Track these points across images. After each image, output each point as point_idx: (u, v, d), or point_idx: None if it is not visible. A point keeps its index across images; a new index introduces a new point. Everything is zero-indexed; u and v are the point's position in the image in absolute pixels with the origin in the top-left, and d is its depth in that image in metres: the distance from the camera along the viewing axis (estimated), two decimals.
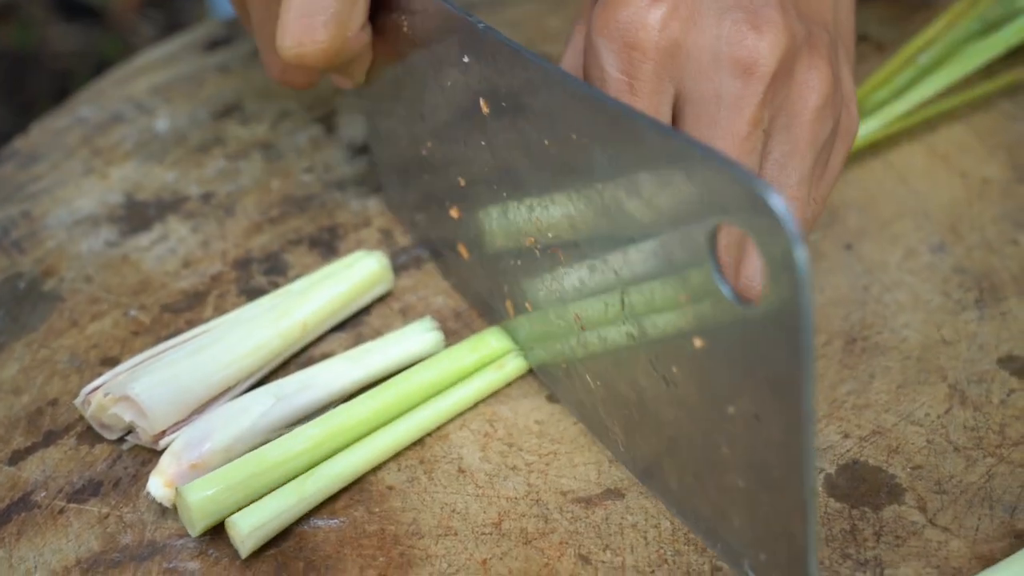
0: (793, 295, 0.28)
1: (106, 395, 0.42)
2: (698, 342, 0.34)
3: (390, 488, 0.43)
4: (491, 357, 0.46)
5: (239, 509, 0.40)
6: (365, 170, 0.59)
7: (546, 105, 0.37)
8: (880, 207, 0.55)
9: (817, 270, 0.51)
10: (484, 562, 0.40)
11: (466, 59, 0.41)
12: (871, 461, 0.42)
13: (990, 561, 0.39)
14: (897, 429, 0.44)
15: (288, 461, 0.41)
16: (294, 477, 0.41)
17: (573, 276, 0.40)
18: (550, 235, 0.40)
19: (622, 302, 0.37)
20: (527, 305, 0.44)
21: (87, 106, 0.65)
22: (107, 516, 0.42)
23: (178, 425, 0.43)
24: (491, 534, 0.41)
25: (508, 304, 0.45)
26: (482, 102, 0.41)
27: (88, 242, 0.55)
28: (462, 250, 0.48)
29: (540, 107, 0.37)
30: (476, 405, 0.46)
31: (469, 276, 0.48)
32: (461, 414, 0.45)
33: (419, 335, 0.47)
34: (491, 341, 0.46)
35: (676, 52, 0.39)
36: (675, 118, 0.40)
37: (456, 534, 0.41)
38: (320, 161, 0.60)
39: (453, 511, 0.42)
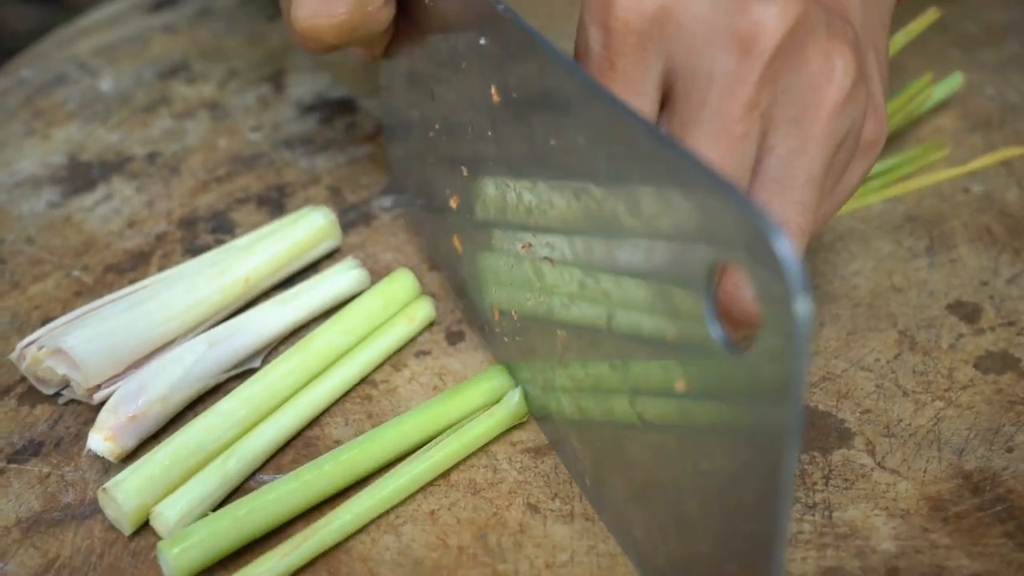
0: (788, 350, 0.25)
1: (40, 348, 0.42)
2: (680, 385, 0.31)
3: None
4: (401, 303, 0.46)
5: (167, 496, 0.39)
6: (314, 129, 0.58)
7: (556, 100, 0.33)
8: None
9: None
10: (432, 513, 0.39)
11: (482, 41, 0.37)
12: (821, 406, 0.42)
13: (938, 502, 0.39)
14: (847, 375, 0.43)
15: (209, 441, 0.40)
16: (220, 453, 0.40)
17: (562, 290, 0.37)
18: (545, 242, 0.37)
19: (608, 327, 0.34)
20: (513, 313, 0.42)
21: (29, 68, 0.64)
22: (48, 475, 0.41)
23: (114, 379, 0.42)
24: (440, 485, 0.40)
25: (495, 310, 0.43)
26: (493, 89, 0.37)
27: (29, 203, 0.54)
28: (456, 243, 0.45)
29: (550, 101, 0.33)
30: (425, 359, 0.45)
31: (460, 272, 0.46)
32: (411, 370, 0.45)
33: (344, 274, 0.47)
34: (399, 286, 0.46)
35: (666, 21, 0.34)
36: (666, 99, 0.35)
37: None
38: (268, 120, 0.59)
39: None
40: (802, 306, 0.24)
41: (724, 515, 0.30)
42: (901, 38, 0.52)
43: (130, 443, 0.41)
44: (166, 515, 0.38)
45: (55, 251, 0.51)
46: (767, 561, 0.28)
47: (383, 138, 0.54)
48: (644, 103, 0.34)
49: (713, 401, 0.29)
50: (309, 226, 0.48)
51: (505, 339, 0.43)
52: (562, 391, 0.39)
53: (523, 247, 0.39)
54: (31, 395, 0.44)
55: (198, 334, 0.44)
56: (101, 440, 0.40)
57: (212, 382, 0.43)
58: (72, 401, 0.44)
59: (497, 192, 0.40)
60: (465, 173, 0.42)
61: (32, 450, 0.42)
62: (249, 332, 0.44)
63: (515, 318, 0.41)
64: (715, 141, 0.33)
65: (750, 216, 0.25)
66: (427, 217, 0.48)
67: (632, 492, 0.36)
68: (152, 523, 0.39)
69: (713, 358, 0.28)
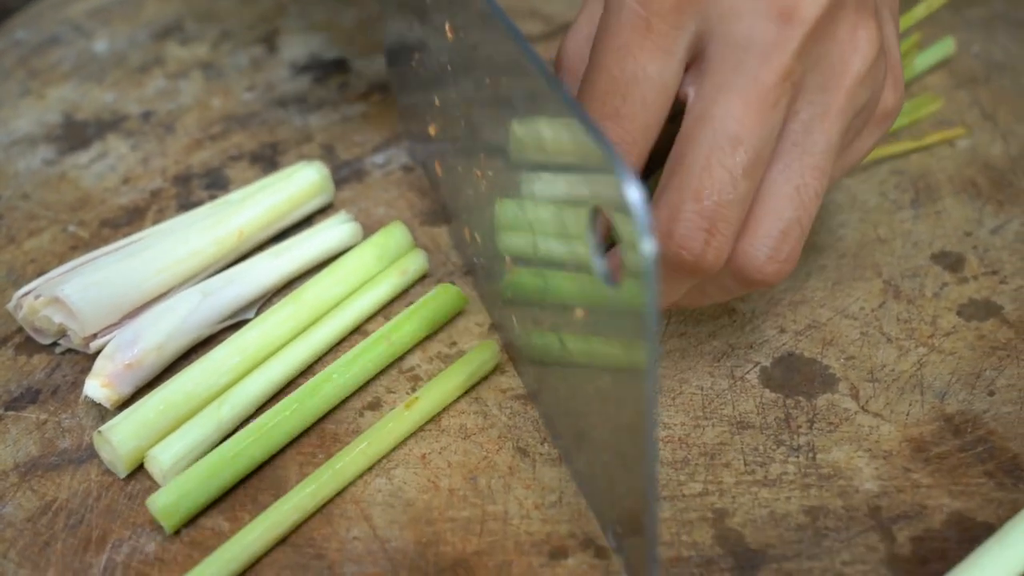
0: (642, 283, 0.27)
1: (37, 298, 0.42)
2: (579, 312, 0.33)
3: None
4: (394, 255, 0.46)
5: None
6: (307, 88, 0.58)
7: (486, 41, 0.36)
8: None
9: None
10: (423, 456, 0.40)
11: None
12: (806, 353, 0.43)
13: (920, 444, 0.39)
14: (832, 323, 0.44)
15: (204, 387, 0.41)
16: (213, 400, 0.41)
17: (503, 215, 0.39)
18: (489, 172, 0.39)
19: (535, 249, 0.36)
20: (476, 236, 0.43)
21: (24, 29, 0.64)
22: (45, 422, 0.42)
23: (109, 329, 0.43)
24: (431, 430, 0.41)
25: (466, 230, 0.45)
26: (447, 26, 0.40)
27: (25, 161, 0.54)
28: (437, 167, 0.47)
29: (485, 42, 0.36)
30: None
31: (442, 195, 0.48)
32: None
33: (336, 227, 0.47)
34: (391, 239, 0.46)
35: None
36: (695, 61, 0.35)
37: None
38: (262, 80, 0.59)
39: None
40: (647, 246, 0.26)
41: (612, 429, 0.33)
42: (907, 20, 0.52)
43: (126, 390, 0.41)
44: (160, 459, 0.39)
45: (51, 207, 0.52)
46: (641, 470, 0.31)
47: (387, 68, 0.54)
48: (672, 63, 0.35)
49: (602, 328, 0.32)
50: (302, 181, 0.49)
51: (475, 261, 0.45)
52: (511, 310, 0.41)
53: (477, 174, 0.41)
54: (28, 345, 0.45)
55: (193, 285, 0.45)
56: (98, 387, 0.41)
57: (207, 332, 0.44)
58: (68, 351, 0.44)
59: (456, 124, 0.42)
60: (437, 103, 0.44)
61: (29, 398, 0.43)
62: (243, 283, 0.45)
63: (479, 243, 0.43)
64: (747, 107, 0.33)
65: (610, 167, 0.27)
66: (420, 147, 0.50)
67: (560, 408, 0.38)
68: (147, 466, 0.39)
69: (598, 290, 0.31)
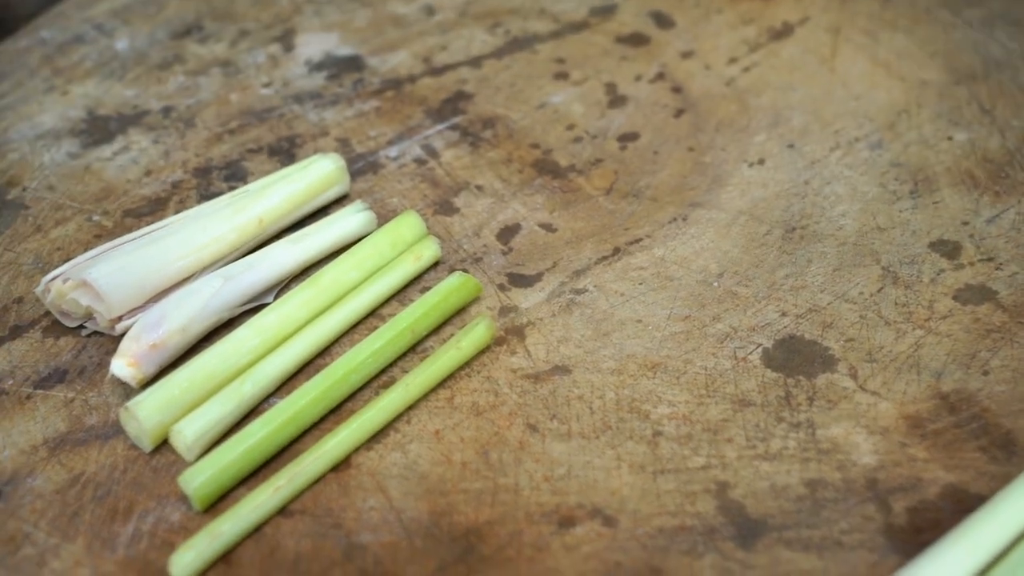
0: None
1: (65, 282, 0.44)
2: None
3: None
4: (408, 242, 0.48)
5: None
6: (322, 85, 0.60)
7: None
8: (823, 110, 0.56)
9: (761, 168, 0.53)
10: (437, 432, 0.42)
11: None
12: (807, 335, 0.44)
13: (917, 420, 0.41)
14: (832, 307, 0.46)
15: (226, 366, 0.42)
16: (235, 378, 0.43)
17: None
18: None
19: None
20: None
21: (48, 29, 0.66)
22: (72, 400, 0.44)
23: (134, 311, 0.44)
24: (444, 408, 0.42)
25: None
26: None
27: (51, 154, 0.56)
28: None
29: None
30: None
31: None
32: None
33: (352, 216, 0.49)
34: (405, 227, 0.48)
35: None
36: None
37: (411, 408, 0.42)
38: (278, 77, 0.61)
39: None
40: None
41: None
42: None
43: (151, 369, 0.43)
44: (185, 433, 0.40)
45: (75, 197, 0.53)
46: None
47: None
48: None
49: None
50: (319, 171, 0.50)
51: None
52: None
53: None
54: (55, 328, 0.47)
55: (215, 270, 0.47)
56: (124, 366, 0.42)
57: (228, 315, 0.45)
58: (95, 333, 0.46)
59: None
60: None
61: (57, 377, 0.44)
62: (263, 268, 0.46)
63: None
64: None
65: None
66: None
67: None
68: (171, 440, 0.41)
69: None
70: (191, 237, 0.46)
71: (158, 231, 0.47)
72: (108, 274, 0.44)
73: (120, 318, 0.44)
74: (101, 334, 0.46)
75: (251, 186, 0.50)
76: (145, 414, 0.40)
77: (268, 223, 0.49)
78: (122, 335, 0.44)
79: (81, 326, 0.46)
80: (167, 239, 0.46)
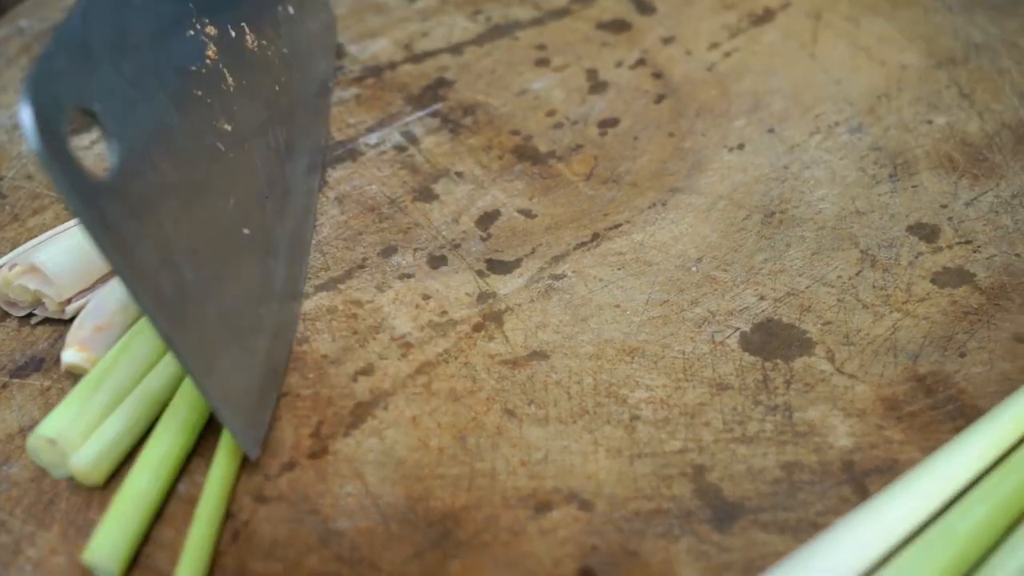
0: None
1: (11, 268, 0.44)
2: None
3: (324, 356, 0.44)
4: None
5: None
6: None
7: None
8: (803, 94, 0.56)
9: (741, 152, 0.53)
10: (414, 418, 0.41)
11: None
12: (784, 319, 0.44)
13: (893, 403, 0.41)
14: (810, 291, 0.46)
15: (120, 377, 0.41)
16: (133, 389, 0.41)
17: None
18: None
19: None
20: None
21: (26, 18, 0.66)
22: (48, 389, 0.43)
23: (83, 293, 0.45)
24: (421, 394, 0.42)
25: None
26: None
27: (28, 143, 0.56)
28: None
29: None
30: (408, 281, 0.47)
31: None
32: (395, 291, 0.47)
33: None
34: None
35: None
36: None
37: (388, 395, 0.42)
38: None
39: (385, 374, 0.43)
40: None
41: None
42: None
43: (102, 350, 0.43)
44: (80, 460, 0.39)
45: (53, 187, 0.53)
46: None
47: None
48: None
49: None
50: None
51: None
52: None
53: None
54: (30, 318, 0.46)
55: None
56: (75, 352, 0.42)
57: None
58: (45, 320, 0.46)
59: None
60: None
61: (34, 366, 0.44)
62: None
63: None
64: None
65: None
66: None
67: None
68: (72, 471, 0.39)
69: None
70: None
71: None
72: (54, 256, 0.44)
73: (70, 300, 0.45)
74: (52, 320, 0.46)
75: None
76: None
77: None
78: (73, 318, 0.44)
79: (30, 314, 0.46)
80: None
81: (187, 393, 0.41)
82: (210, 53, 0.45)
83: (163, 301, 0.35)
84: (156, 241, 0.36)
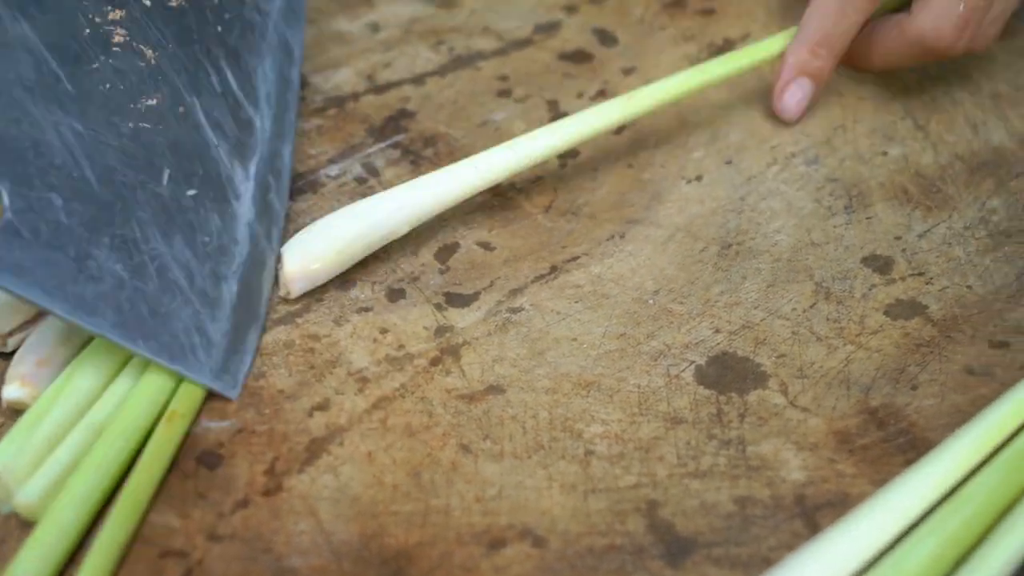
0: None
1: None
2: None
3: (280, 391, 0.44)
4: None
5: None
6: None
7: None
8: (760, 126, 0.57)
9: (698, 184, 0.53)
10: (369, 454, 0.42)
11: None
12: (739, 352, 0.45)
13: (845, 436, 0.41)
14: (765, 323, 0.46)
15: (63, 410, 0.41)
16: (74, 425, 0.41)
17: None
18: None
19: None
20: None
21: None
22: (3, 425, 0.43)
23: (25, 325, 0.45)
24: (377, 429, 0.42)
25: None
26: None
27: None
28: None
29: None
30: (366, 315, 0.47)
31: None
32: (353, 325, 0.47)
33: None
34: None
35: None
36: None
37: (344, 430, 0.42)
38: None
39: (341, 410, 0.43)
40: None
41: None
42: None
43: (45, 385, 0.43)
44: (25, 498, 0.39)
45: None
46: None
47: None
48: None
49: None
50: None
51: None
52: None
53: None
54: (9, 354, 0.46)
55: None
56: (18, 387, 0.42)
57: None
58: None
59: None
60: None
61: None
62: None
63: None
64: None
65: None
66: None
67: None
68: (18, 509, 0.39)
69: None
70: None
71: None
72: None
73: (12, 332, 0.44)
74: None
75: None
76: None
77: None
78: (14, 351, 0.44)
79: None
80: None
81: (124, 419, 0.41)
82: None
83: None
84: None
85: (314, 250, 0.47)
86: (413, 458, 0.41)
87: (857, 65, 0.56)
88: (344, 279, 0.49)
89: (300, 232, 0.48)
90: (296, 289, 0.47)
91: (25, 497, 0.39)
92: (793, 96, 0.55)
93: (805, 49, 0.54)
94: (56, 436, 0.40)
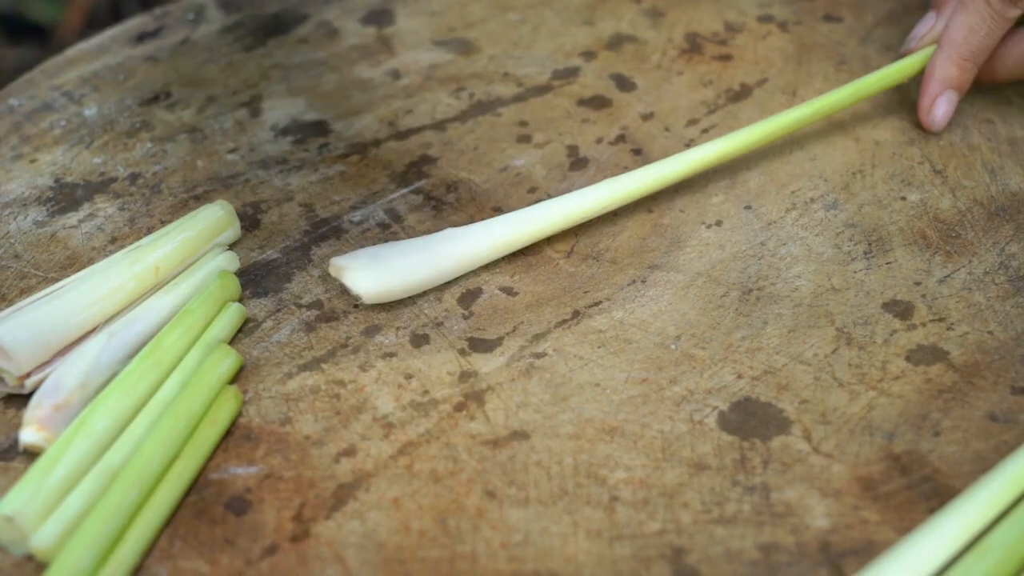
0: None
1: None
2: None
3: (307, 437, 0.45)
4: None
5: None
6: (288, 150, 0.61)
7: None
8: (779, 171, 0.58)
9: (718, 229, 0.54)
10: (395, 500, 0.42)
11: None
12: (762, 398, 0.45)
13: (869, 482, 0.41)
14: (787, 369, 0.46)
15: (78, 453, 0.42)
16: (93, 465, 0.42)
17: None
18: None
19: None
20: None
21: (17, 97, 0.67)
22: (6, 469, 0.44)
23: (43, 367, 0.46)
24: (403, 475, 0.43)
25: None
26: None
27: (17, 222, 0.57)
28: None
29: None
30: (391, 360, 0.48)
31: None
32: (378, 371, 0.47)
33: (215, 258, 0.52)
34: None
35: None
36: None
37: (370, 476, 0.43)
38: (245, 142, 0.62)
39: (367, 455, 0.44)
40: None
41: None
42: None
43: (61, 429, 0.44)
44: (41, 541, 0.40)
45: (41, 266, 0.54)
46: None
47: None
48: None
49: None
50: (209, 217, 0.53)
51: None
52: None
53: None
54: (16, 399, 0.47)
55: (120, 319, 0.48)
56: (34, 432, 0.43)
57: (121, 367, 0.47)
58: (8, 396, 0.46)
59: None
60: None
61: (17, 449, 0.45)
62: (142, 322, 0.48)
63: None
64: None
65: None
66: None
67: None
68: (34, 553, 0.40)
69: None
70: (92, 289, 0.48)
71: (62, 286, 0.49)
72: (13, 330, 0.45)
73: (29, 374, 0.45)
74: (15, 396, 0.46)
75: (151, 236, 0.52)
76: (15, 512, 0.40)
77: (166, 271, 0.50)
78: (32, 392, 0.45)
79: None
80: (68, 293, 0.48)
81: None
82: None
83: None
84: None
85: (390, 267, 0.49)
86: (439, 504, 0.42)
87: (983, 78, 0.59)
88: (369, 324, 0.49)
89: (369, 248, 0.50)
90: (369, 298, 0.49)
91: (40, 540, 0.39)
92: (942, 108, 0.58)
93: (953, 63, 0.57)
94: (71, 480, 0.41)
